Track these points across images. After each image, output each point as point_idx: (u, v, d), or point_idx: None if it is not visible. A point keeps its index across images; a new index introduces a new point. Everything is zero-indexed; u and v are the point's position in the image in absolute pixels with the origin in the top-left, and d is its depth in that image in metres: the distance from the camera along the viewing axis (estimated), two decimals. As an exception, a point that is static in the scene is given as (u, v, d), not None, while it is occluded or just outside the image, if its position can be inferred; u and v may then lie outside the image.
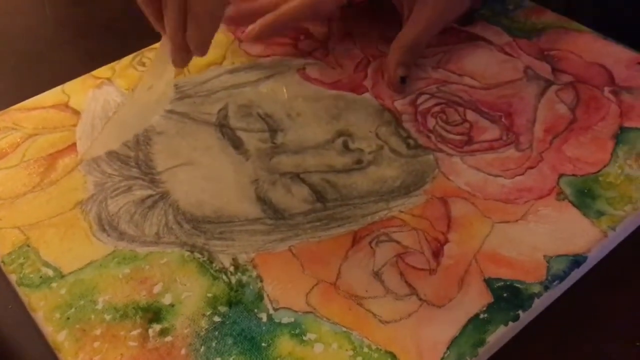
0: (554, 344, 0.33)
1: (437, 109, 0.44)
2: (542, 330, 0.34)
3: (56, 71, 0.48)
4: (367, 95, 0.46)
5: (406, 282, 0.34)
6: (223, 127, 0.43)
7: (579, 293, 0.35)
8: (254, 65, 0.48)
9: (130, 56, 0.49)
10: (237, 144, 0.42)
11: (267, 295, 0.34)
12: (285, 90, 0.46)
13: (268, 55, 0.49)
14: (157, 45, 0.49)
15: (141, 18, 0.53)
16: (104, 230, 0.37)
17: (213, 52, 0.49)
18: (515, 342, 0.33)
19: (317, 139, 0.42)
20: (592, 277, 0.36)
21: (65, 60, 0.50)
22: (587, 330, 0.34)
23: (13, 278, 0.35)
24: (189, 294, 0.34)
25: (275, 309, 0.33)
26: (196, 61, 0.47)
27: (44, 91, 0.46)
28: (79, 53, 0.51)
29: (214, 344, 0.32)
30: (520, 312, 0.33)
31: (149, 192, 0.39)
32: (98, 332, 0.33)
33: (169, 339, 0.32)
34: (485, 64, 0.47)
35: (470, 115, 0.44)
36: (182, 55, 0.37)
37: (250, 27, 0.48)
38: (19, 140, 0.43)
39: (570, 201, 0.38)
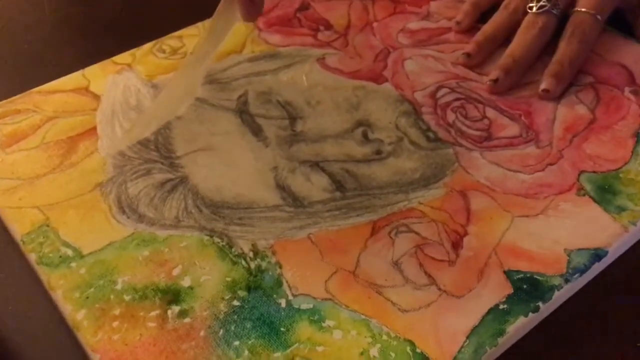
0: (554, 341, 0.33)
1: (457, 103, 0.44)
2: (542, 329, 0.33)
3: (55, 71, 0.47)
4: (387, 85, 0.46)
5: (425, 272, 0.34)
6: (242, 113, 0.43)
7: (580, 293, 0.35)
8: (274, 54, 0.48)
9: (151, 43, 0.49)
10: (256, 131, 0.42)
11: (286, 282, 0.34)
12: (305, 79, 0.46)
13: (287, 45, 0.49)
14: (177, 33, 0.50)
15: (141, 18, 0.54)
16: (123, 212, 0.37)
17: (232, 41, 0.49)
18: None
19: (336, 128, 0.42)
20: (592, 278, 0.35)
21: (65, 60, 0.50)
22: (588, 331, 0.34)
23: (32, 257, 0.35)
24: (208, 278, 0.34)
25: (295, 295, 0.33)
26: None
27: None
28: (79, 53, 0.51)
29: (232, 328, 0.32)
30: (540, 303, 0.33)
31: (169, 175, 0.39)
32: (117, 312, 0.33)
33: (187, 320, 0.32)
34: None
35: (490, 112, 0.44)
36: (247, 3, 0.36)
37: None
38: (39, 122, 0.43)
39: (590, 197, 0.38)
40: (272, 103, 0.44)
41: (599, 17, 0.46)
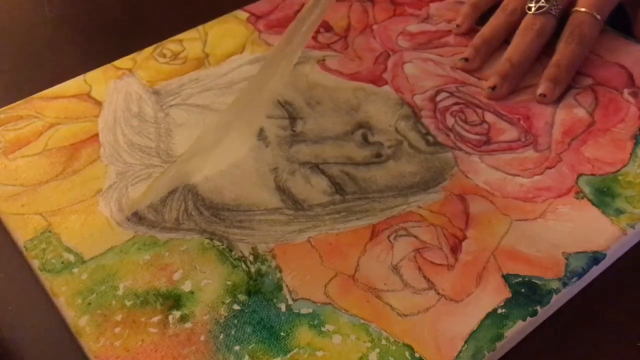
0: (554, 343, 0.33)
1: (456, 108, 0.44)
2: (543, 329, 0.34)
3: (55, 71, 0.48)
4: (386, 87, 0.46)
5: (424, 276, 0.35)
6: (242, 111, 0.43)
7: (579, 293, 0.35)
8: (274, 58, 0.48)
9: (151, 47, 0.49)
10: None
11: (286, 286, 0.34)
12: (305, 79, 0.46)
13: (288, 48, 0.49)
14: (177, 36, 0.50)
15: (141, 18, 0.54)
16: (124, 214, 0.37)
17: (233, 43, 0.49)
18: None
19: (336, 129, 0.43)
20: (593, 278, 0.36)
21: (65, 60, 0.50)
22: (588, 330, 0.34)
23: (35, 264, 0.35)
24: (208, 282, 0.35)
25: (294, 300, 0.34)
26: (216, 52, 0.48)
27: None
28: (79, 53, 0.51)
29: (233, 332, 0.32)
30: (538, 307, 0.33)
31: (169, 177, 0.39)
32: (119, 317, 0.33)
33: (188, 325, 0.33)
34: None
35: (489, 116, 0.44)
36: None
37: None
38: (41, 128, 0.43)
39: (589, 200, 0.38)
40: (272, 102, 0.44)
41: (598, 17, 0.46)
